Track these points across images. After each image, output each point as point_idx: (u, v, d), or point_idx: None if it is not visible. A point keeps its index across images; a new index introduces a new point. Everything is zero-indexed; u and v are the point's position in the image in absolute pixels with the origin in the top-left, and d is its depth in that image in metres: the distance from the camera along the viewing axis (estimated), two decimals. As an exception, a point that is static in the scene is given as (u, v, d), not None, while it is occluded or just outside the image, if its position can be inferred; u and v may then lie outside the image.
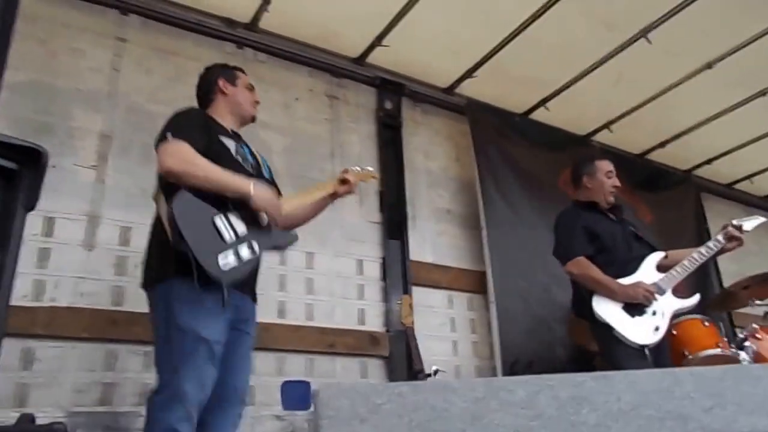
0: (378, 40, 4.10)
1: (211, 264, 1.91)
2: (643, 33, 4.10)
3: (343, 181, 2.49)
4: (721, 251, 3.01)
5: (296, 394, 2.43)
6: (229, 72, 2.53)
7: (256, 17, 3.84)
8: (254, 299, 2.30)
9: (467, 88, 4.65)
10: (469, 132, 4.58)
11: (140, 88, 3.46)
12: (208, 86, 2.49)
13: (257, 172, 2.36)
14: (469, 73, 4.49)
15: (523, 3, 3.87)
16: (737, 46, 4.31)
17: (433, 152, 4.64)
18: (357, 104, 4.39)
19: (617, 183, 3.24)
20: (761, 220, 3.15)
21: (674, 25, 4.02)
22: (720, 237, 2.99)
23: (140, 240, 3.10)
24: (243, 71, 2.58)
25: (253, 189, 2.09)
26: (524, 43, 4.14)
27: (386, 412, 0.89)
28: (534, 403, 0.99)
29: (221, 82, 2.47)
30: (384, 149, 4.31)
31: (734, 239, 2.95)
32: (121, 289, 2.98)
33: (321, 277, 3.67)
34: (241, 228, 2.07)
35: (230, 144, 2.28)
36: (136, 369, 2.88)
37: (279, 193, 2.43)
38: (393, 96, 4.50)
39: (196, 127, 2.19)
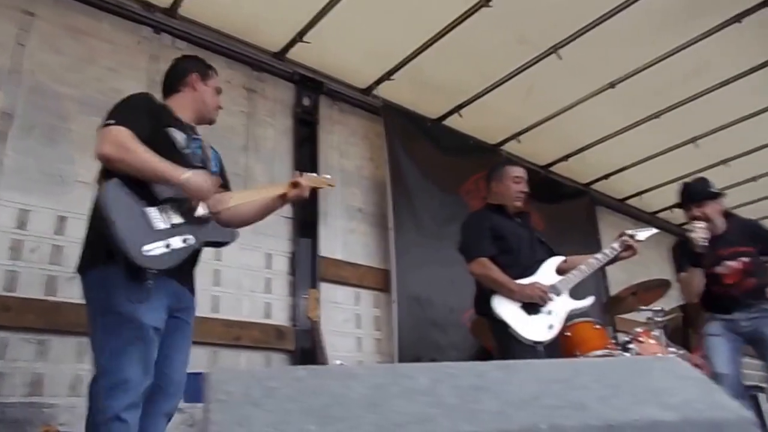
0: (299, 37, 4.09)
1: (135, 250, 1.88)
2: (555, 49, 4.33)
3: (295, 185, 2.42)
4: (616, 258, 3.19)
5: (195, 386, 2.39)
6: (204, 69, 2.48)
7: (176, 3, 3.75)
8: (192, 291, 2.26)
9: (385, 90, 4.72)
10: (384, 133, 4.65)
11: (47, 66, 3.28)
12: (179, 75, 2.43)
13: (203, 166, 2.29)
14: (387, 76, 4.56)
15: (442, 11, 3.97)
16: (637, 68, 4.61)
17: (348, 151, 4.68)
18: (275, 99, 4.35)
19: (524, 189, 3.35)
20: (654, 231, 3.38)
21: (583, 44, 4.26)
22: (616, 245, 3.17)
23: (38, 224, 2.98)
24: (216, 72, 2.54)
25: (184, 176, 2.03)
26: (441, 51, 4.25)
27: (282, 396, 0.87)
28: (435, 391, 0.99)
29: (194, 77, 2.41)
30: (299, 145, 4.31)
31: (629, 248, 3.14)
32: (15, 274, 2.83)
33: (228, 269, 3.62)
34: (176, 219, 2.05)
35: (178, 135, 2.22)
36: (28, 358, 2.74)
37: (227, 189, 2.42)
38: (311, 93, 4.50)
39: (141, 113, 2.14)
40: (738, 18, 4.06)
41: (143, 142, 2.04)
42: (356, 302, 4.26)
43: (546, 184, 6.10)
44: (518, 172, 3.37)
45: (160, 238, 1.97)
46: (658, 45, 4.40)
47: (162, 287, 1.99)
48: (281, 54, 4.29)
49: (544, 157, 6.02)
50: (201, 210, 2.12)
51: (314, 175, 2.59)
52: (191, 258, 2.16)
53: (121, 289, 1.92)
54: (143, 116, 2.13)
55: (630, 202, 7.07)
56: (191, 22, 3.88)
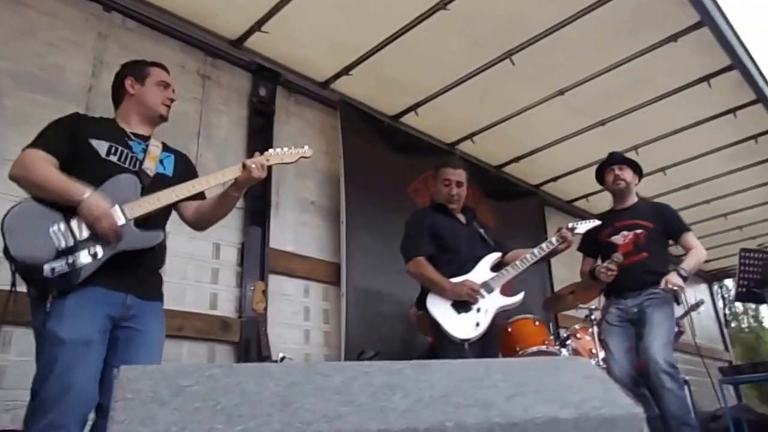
0: (258, 26, 4.06)
1: (34, 271, 1.90)
2: (508, 55, 4.44)
3: (243, 167, 2.30)
4: (553, 252, 3.27)
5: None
6: (139, 69, 2.40)
7: (129, -19, 3.67)
8: (148, 298, 2.21)
9: (342, 85, 4.74)
10: (339, 128, 4.68)
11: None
12: (116, 86, 2.40)
13: (135, 170, 2.22)
14: (345, 71, 4.58)
15: (402, 11, 4.02)
16: (585, 78, 4.79)
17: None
18: (230, 87, 4.30)
19: (453, 192, 3.35)
20: (596, 222, 3.49)
21: (536, 51, 4.39)
22: (553, 239, 3.27)
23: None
24: (160, 66, 2.45)
25: (83, 199, 1.99)
26: (400, 49, 4.30)
27: (191, 394, 0.88)
28: (348, 389, 1.02)
29: (128, 82, 2.36)
30: (253, 136, 4.27)
31: (566, 241, 3.24)
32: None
33: (174, 258, 3.55)
34: (84, 233, 2.02)
35: (101, 145, 2.17)
36: None
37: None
38: (268, 83, 4.46)
39: (60, 134, 2.14)
40: (674, 37, 4.27)
41: (66, 160, 2.07)
42: (305, 295, 4.28)
43: (499, 183, 6.29)
44: (450, 174, 3.38)
45: (62, 255, 1.95)
46: (604, 57, 4.58)
47: (92, 299, 1.98)
48: (239, 42, 4.24)
49: (497, 157, 6.16)
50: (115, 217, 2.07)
51: (279, 150, 2.44)
52: (135, 265, 2.12)
53: (36, 310, 1.95)
54: (63, 136, 2.13)
55: (577, 203, 7.31)
56: (144, 2, 3.79)
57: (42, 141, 2.10)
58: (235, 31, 4.18)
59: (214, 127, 4.10)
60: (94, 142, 2.17)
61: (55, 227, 1.98)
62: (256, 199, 4.10)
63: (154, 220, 2.21)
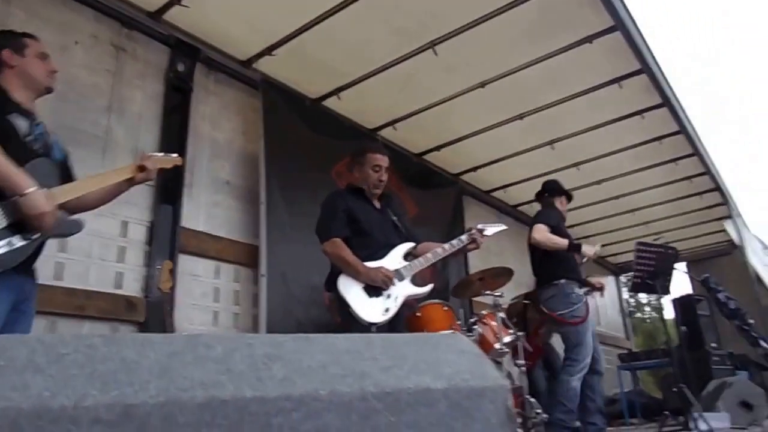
0: (177, -1, 3.93)
1: None
2: (431, 45, 4.52)
3: (141, 168, 2.37)
4: (463, 249, 3.43)
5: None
6: (16, 41, 2.29)
7: (35, -57, 3.47)
8: (35, 279, 2.23)
9: (264, 65, 4.67)
10: (261, 108, 4.62)
11: None
12: None
13: (45, 153, 2.21)
14: (268, 50, 4.51)
15: (326, -5, 4.00)
16: (505, 72, 4.95)
17: (220, 123, 4.58)
18: (146, 61, 4.15)
19: (383, 178, 3.42)
20: (502, 227, 3.70)
21: (459, 43, 4.49)
22: (463, 237, 3.42)
23: None
24: (33, 37, 2.35)
25: (26, 191, 1.96)
26: (324, 33, 4.29)
27: (69, 362, 0.89)
28: (228, 359, 1.06)
29: (6, 54, 2.24)
30: (169, 112, 4.15)
31: (474, 242, 3.40)
32: None
33: (78, 235, 3.39)
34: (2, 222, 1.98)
35: (21, 123, 2.12)
36: None
37: (70, 177, 2.31)
38: (187, 59, 4.33)
39: None
40: (589, 39, 4.49)
41: None
42: (216, 276, 4.22)
43: (420, 171, 6.38)
44: (379, 160, 3.42)
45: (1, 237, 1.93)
46: (523, 53, 4.75)
47: (5, 284, 1.97)
48: (157, 14, 4.08)
49: (419, 145, 6.26)
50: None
51: (161, 155, 2.56)
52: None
53: None
54: None
55: (495, 194, 7.56)
56: (53, -35, 3.58)
57: None
58: (154, 2, 4.02)
59: (128, 102, 3.96)
60: (14, 118, 2.12)
61: None
62: (168, 178, 3.98)
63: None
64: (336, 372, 1.14)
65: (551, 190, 4.80)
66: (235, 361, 1.06)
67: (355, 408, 1.09)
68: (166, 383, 0.95)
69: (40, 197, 1.97)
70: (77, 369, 0.90)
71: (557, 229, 4.46)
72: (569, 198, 4.90)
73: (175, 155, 2.64)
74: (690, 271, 9.69)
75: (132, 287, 3.66)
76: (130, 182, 2.39)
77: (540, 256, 4.48)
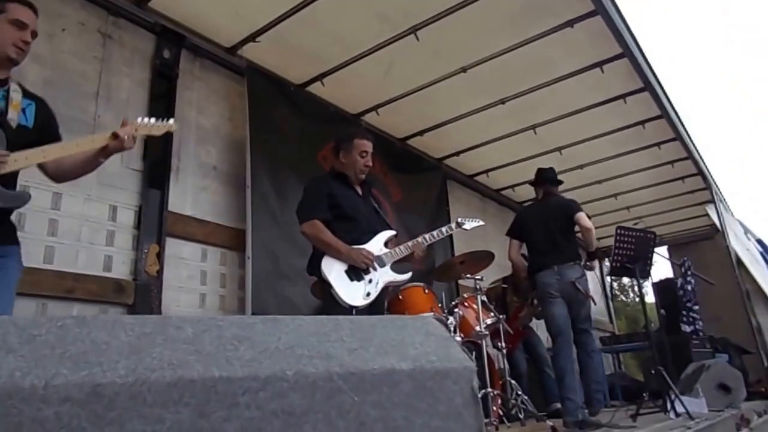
0: (162, -14, 3.95)
1: None
2: (413, 30, 4.56)
3: (115, 136, 2.25)
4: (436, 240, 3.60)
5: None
6: None
7: (19, -71, 3.48)
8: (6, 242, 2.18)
9: (249, 52, 4.70)
10: (246, 94, 4.65)
11: None
12: None
13: (1, 120, 2.12)
14: (252, 38, 4.55)
15: (307, -20, 4.03)
16: (486, 57, 4.99)
17: (206, 109, 4.61)
18: (133, 48, 4.17)
19: (369, 163, 3.47)
20: (480, 223, 3.93)
21: (440, 28, 4.53)
22: (444, 229, 3.59)
23: None
24: (23, 2, 2.21)
25: None
26: (306, 19, 4.33)
27: (41, 342, 0.92)
28: (198, 340, 1.09)
29: None
30: (155, 99, 4.19)
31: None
32: None
33: (68, 219, 3.50)
34: None
35: None
36: None
37: (39, 143, 2.18)
38: (172, 46, 4.36)
39: None
40: (570, 23, 4.53)
41: None
42: (203, 259, 4.28)
43: (403, 156, 6.44)
44: (366, 146, 3.47)
45: None
46: (505, 38, 4.79)
47: None
48: (142, 2, 4.12)
49: (402, 130, 6.31)
50: None
51: (151, 120, 2.40)
52: None
53: None
54: None
55: (478, 178, 7.63)
56: (41, -45, 3.62)
57: None
58: (138, -11, 4.04)
59: (115, 89, 3.99)
60: None
61: None
62: (155, 163, 4.05)
63: (12, 176, 2.13)
64: (302, 353, 1.18)
65: (549, 178, 4.80)
66: (203, 342, 1.10)
67: (319, 388, 1.13)
68: (135, 363, 0.98)
69: None
70: (48, 349, 0.93)
71: None
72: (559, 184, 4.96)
73: (170, 121, 2.50)
74: (672, 255, 9.92)
75: (121, 270, 3.73)
76: (105, 151, 2.27)
77: (571, 236, 4.50)
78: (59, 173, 2.34)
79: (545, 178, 4.72)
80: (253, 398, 1.07)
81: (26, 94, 2.27)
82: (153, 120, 2.42)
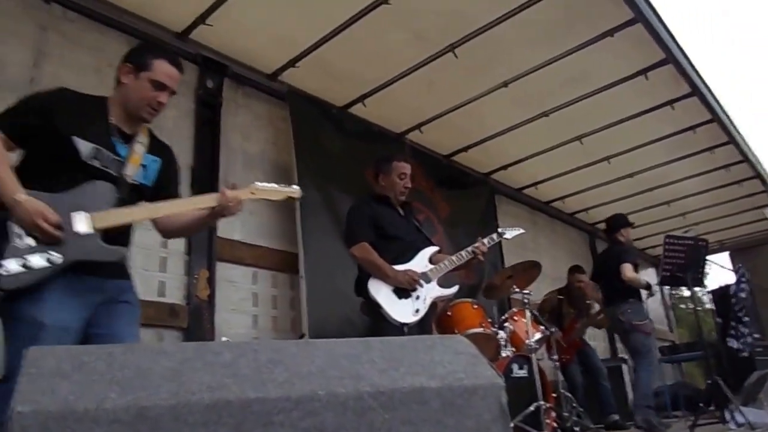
0: (202, 19, 4.10)
1: None
2: (451, 48, 4.60)
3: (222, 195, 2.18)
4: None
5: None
6: (142, 57, 2.13)
7: (65, -28, 3.65)
8: (120, 277, 2.15)
9: (290, 77, 4.82)
10: (289, 118, 4.77)
11: None
12: (117, 69, 2.17)
13: (115, 178, 2.05)
14: (292, 63, 4.67)
15: (344, 4, 4.13)
16: (527, 71, 4.98)
17: (251, 134, 4.74)
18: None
19: (408, 185, 3.58)
20: (521, 231, 4.01)
21: (478, 44, 4.56)
22: (486, 240, 3.60)
23: None
24: (170, 61, 2.18)
25: (15, 199, 1.82)
26: (344, 42, 4.42)
27: (91, 369, 1.01)
28: (235, 364, 1.17)
29: (125, 69, 2.13)
30: (201, 127, 4.34)
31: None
32: None
33: None
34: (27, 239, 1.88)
35: (85, 146, 1.99)
36: None
37: (158, 196, 2.17)
38: (215, 75, 4.51)
39: (25, 114, 1.98)
40: (611, 32, 4.48)
41: (39, 153, 1.96)
42: (254, 281, 4.40)
43: (449, 172, 6.46)
44: (404, 168, 3.58)
45: (17, 255, 1.81)
46: (543, 51, 4.78)
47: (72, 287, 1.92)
48: (184, 35, 4.26)
49: (446, 146, 6.33)
50: (80, 226, 1.92)
51: (269, 185, 2.32)
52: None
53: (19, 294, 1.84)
54: (28, 117, 1.97)
55: (526, 191, 7.56)
56: (84, -6, 3.76)
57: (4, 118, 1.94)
58: (180, 24, 4.20)
59: (162, 119, 4.00)
60: (78, 142, 1.98)
61: (13, 224, 1.84)
62: (203, 190, 4.13)
63: (120, 232, 2.07)
64: (334, 374, 1.24)
65: (615, 226, 5.15)
66: (240, 366, 1.18)
67: (350, 407, 1.19)
68: (177, 386, 1.07)
69: (29, 207, 1.82)
70: (98, 376, 1.03)
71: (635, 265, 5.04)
72: (631, 225, 5.32)
73: (294, 187, 2.37)
74: (734, 260, 9.55)
75: (174, 295, 3.87)
76: (213, 212, 2.20)
77: (614, 278, 4.89)
78: (167, 230, 2.35)
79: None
80: (287, 417, 1.13)
81: (153, 147, 2.24)
82: (273, 184, 2.34)
